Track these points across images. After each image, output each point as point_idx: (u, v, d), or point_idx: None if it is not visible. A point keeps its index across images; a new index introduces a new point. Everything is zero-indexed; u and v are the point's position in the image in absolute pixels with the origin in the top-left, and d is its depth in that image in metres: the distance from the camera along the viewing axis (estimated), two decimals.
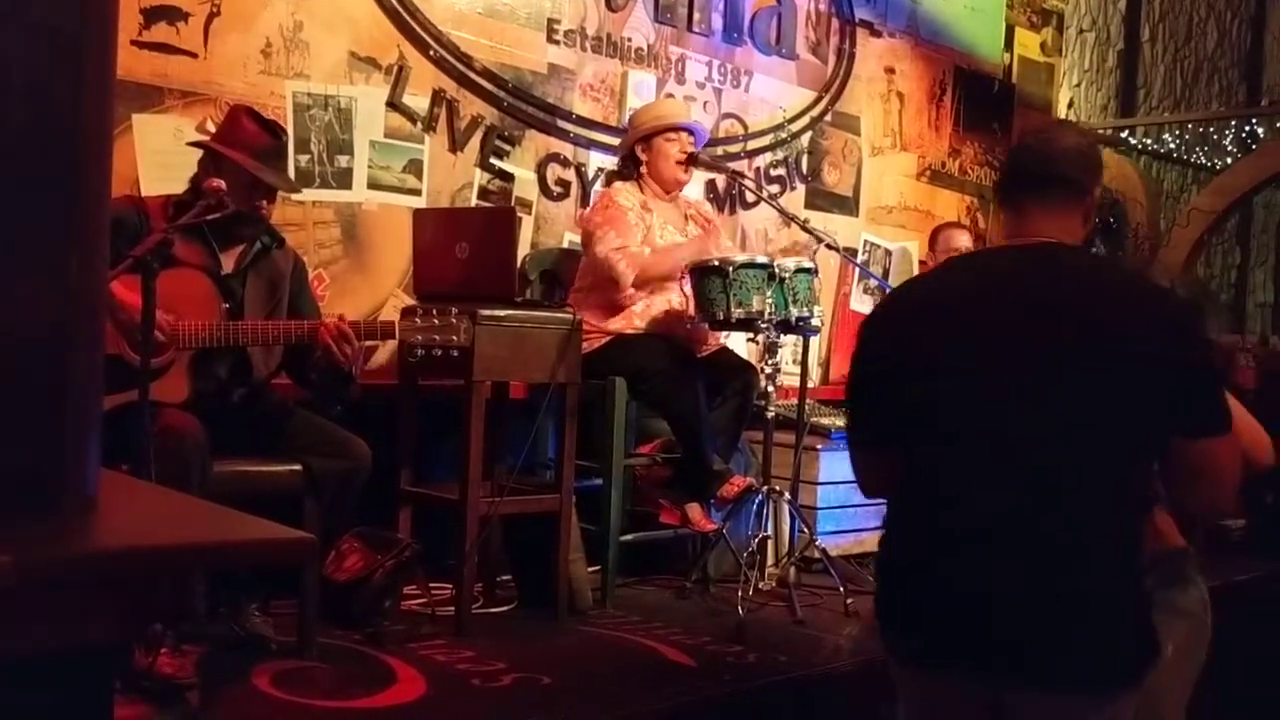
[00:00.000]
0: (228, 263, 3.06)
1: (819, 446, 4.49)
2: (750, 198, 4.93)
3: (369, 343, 3.17)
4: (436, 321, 3.02)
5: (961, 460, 1.88)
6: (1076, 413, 1.82)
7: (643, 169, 4.01)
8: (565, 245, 4.37)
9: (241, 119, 3.06)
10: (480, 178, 4.21)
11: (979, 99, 6.06)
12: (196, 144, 3.11)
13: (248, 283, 3.07)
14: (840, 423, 4.69)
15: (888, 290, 5.11)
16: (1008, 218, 2.06)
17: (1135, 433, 1.84)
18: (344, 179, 3.87)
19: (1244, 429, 2.32)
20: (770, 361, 3.74)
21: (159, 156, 3.44)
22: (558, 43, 4.39)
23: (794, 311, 3.72)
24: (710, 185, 4.91)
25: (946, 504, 1.89)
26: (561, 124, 4.41)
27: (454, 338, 3.01)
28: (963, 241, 5.35)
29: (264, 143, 3.03)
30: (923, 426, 1.93)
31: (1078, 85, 7.08)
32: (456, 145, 4.14)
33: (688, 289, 3.91)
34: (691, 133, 4.07)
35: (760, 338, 3.74)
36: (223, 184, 2.92)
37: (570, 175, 4.46)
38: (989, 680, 1.84)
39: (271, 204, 3.11)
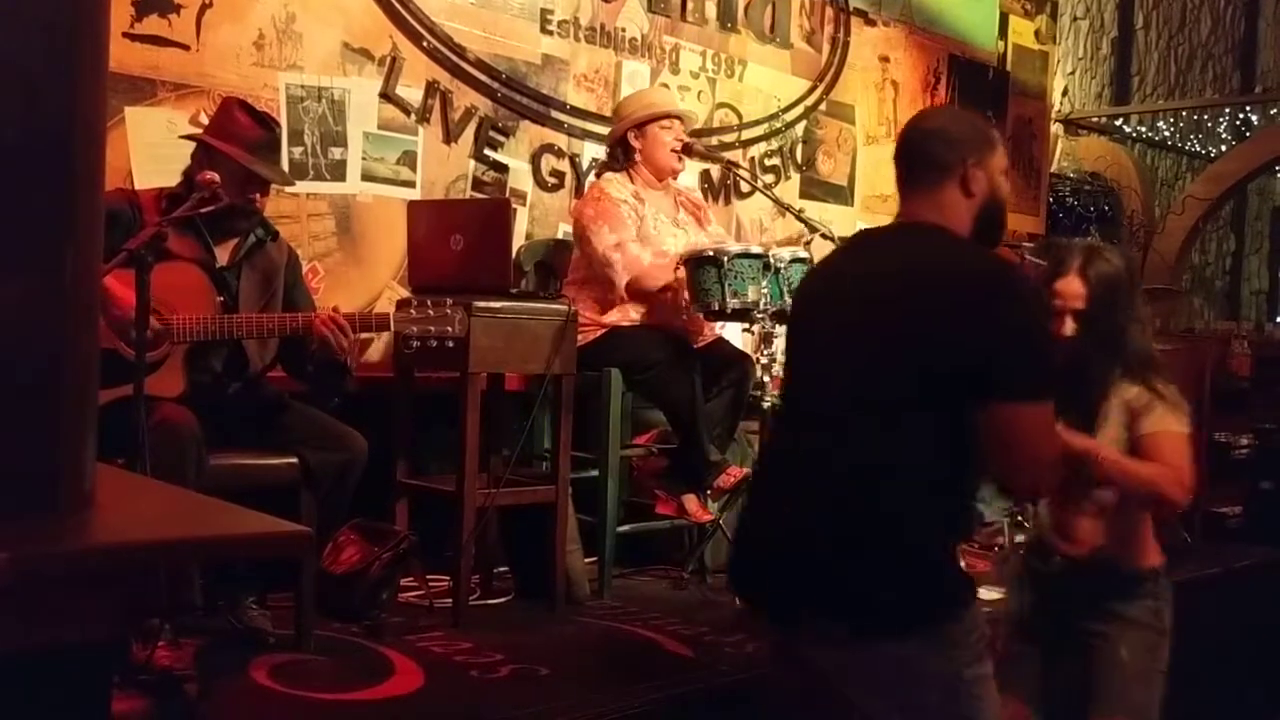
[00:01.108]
0: (222, 256, 3.05)
1: None
2: (745, 188, 4.92)
3: (364, 335, 3.17)
4: (431, 312, 3.01)
5: (788, 412, 2.13)
6: (875, 365, 1.94)
7: (636, 157, 4.00)
8: (560, 236, 4.36)
9: (234, 111, 3.05)
10: (474, 169, 4.20)
11: (973, 87, 6.06)
12: (189, 137, 3.10)
13: (242, 276, 3.06)
14: None
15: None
16: (899, 197, 2.20)
17: (930, 386, 1.90)
18: (338, 171, 3.86)
19: (1168, 460, 2.39)
20: (766, 352, 3.73)
21: (152, 149, 3.43)
22: (551, 33, 4.37)
23: (789, 301, 3.71)
24: (705, 175, 4.90)
25: (768, 453, 2.18)
26: (555, 115, 4.40)
27: (449, 328, 3.01)
28: None
29: (257, 135, 3.02)
30: (786, 400, 2.18)
31: (1072, 73, 7.08)
32: (450, 136, 4.13)
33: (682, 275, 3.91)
34: (682, 121, 4.07)
35: (756, 328, 3.73)
36: (216, 177, 2.91)
37: (564, 166, 4.45)
38: (780, 624, 2.00)
39: (265, 196, 3.10)
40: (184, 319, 2.82)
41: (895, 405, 1.91)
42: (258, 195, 3.05)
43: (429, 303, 3.03)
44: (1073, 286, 2.50)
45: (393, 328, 3.05)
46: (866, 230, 2.44)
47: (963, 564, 2.97)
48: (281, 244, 3.21)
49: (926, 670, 1.89)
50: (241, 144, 2.97)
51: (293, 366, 3.15)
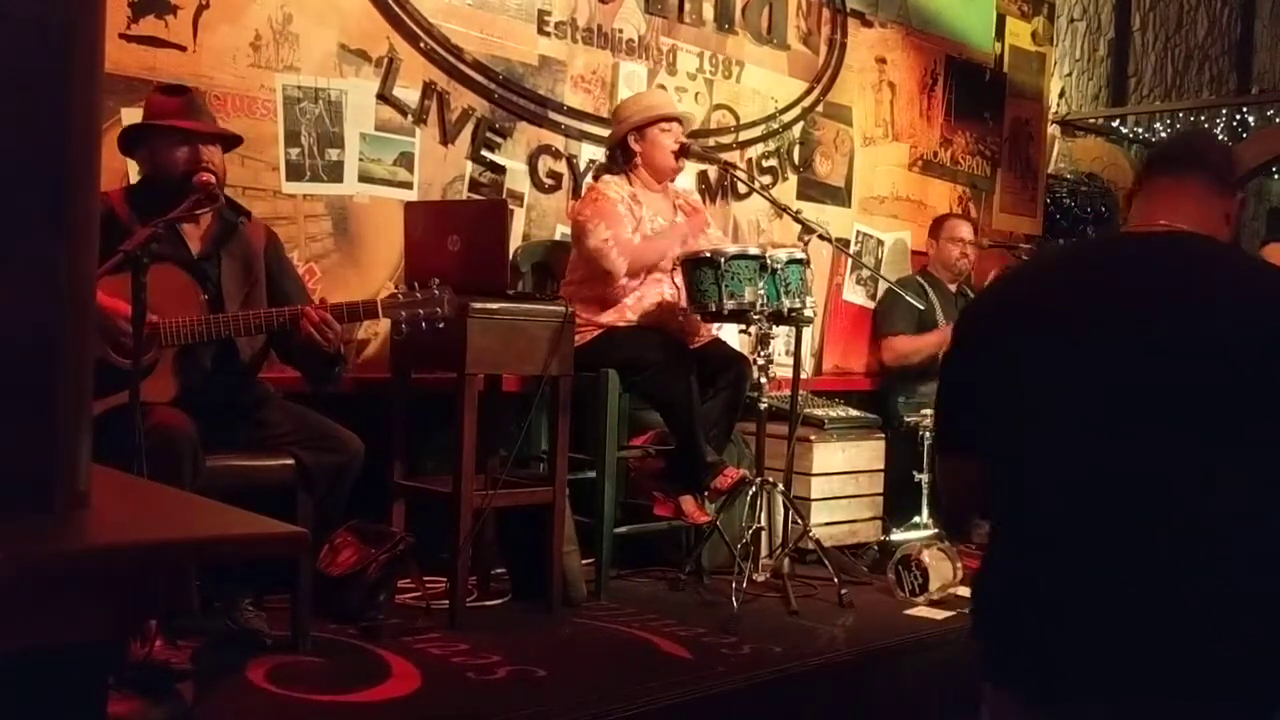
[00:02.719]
0: (194, 241, 3.02)
1: (812, 438, 4.50)
2: (742, 189, 4.92)
3: (352, 324, 3.15)
4: (419, 295, 3.01)
5: (1081, 471, 1.69)
6: (1226, 420, 1.64)
7: (636, 159, 4.01)
8: (557, 237, 4.36)
9: (150, 96, 3.06)
10: (471, 170, 4.20)
11: (970, 88, 6.06)
12: (122, 137, 3.05)
13: (222, 266, 3.04)
14: (833, 414, 4.70)
15: (889, 283, 5.12)
16: (1139, 201, 1.89)
17: (1268, 435, 1.64)
18: (335, 172, 3.85)
19: None
20: (763, 353, 3.74)
21: None
22: (548, 34, 4.37)
23: (786, 303, 3.72)
24: (702, 176, 4.90)
25: (1071, 518, 1.69)
26: (553, 116, 4.40)
27: (438, 310, 3.01)
28: (965, 232, 5.38)
29: (174, 104, 3.00)
30: (1041, 432, 1.74)
31: (1069, 74, 7.09)
32: (447, 138, 4.13)
33: (679, 281, 3.92)
34: (680, 123, 4.07)
35: (753, 329, 3.74)
36: (213, 178, 2.92)
37: (562, 167, 4.45)
38: (1135, 707, 1.65)
39: (214, 164, 2.99)
40: (170, 322, 2.81)
41: (1254, 444, 1.64)
42: (211, 165, 2.97)
43: (415, 286, 3.03)
44: None
45: (380, 315, 3.04)
46: (1097, 239, 2.17)
47: None
48: (256, 224, 3.17)
49: None
50: (165, 118, 2.97)
51: (284, 354, 3.14)
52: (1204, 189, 1.84)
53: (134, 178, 3.21)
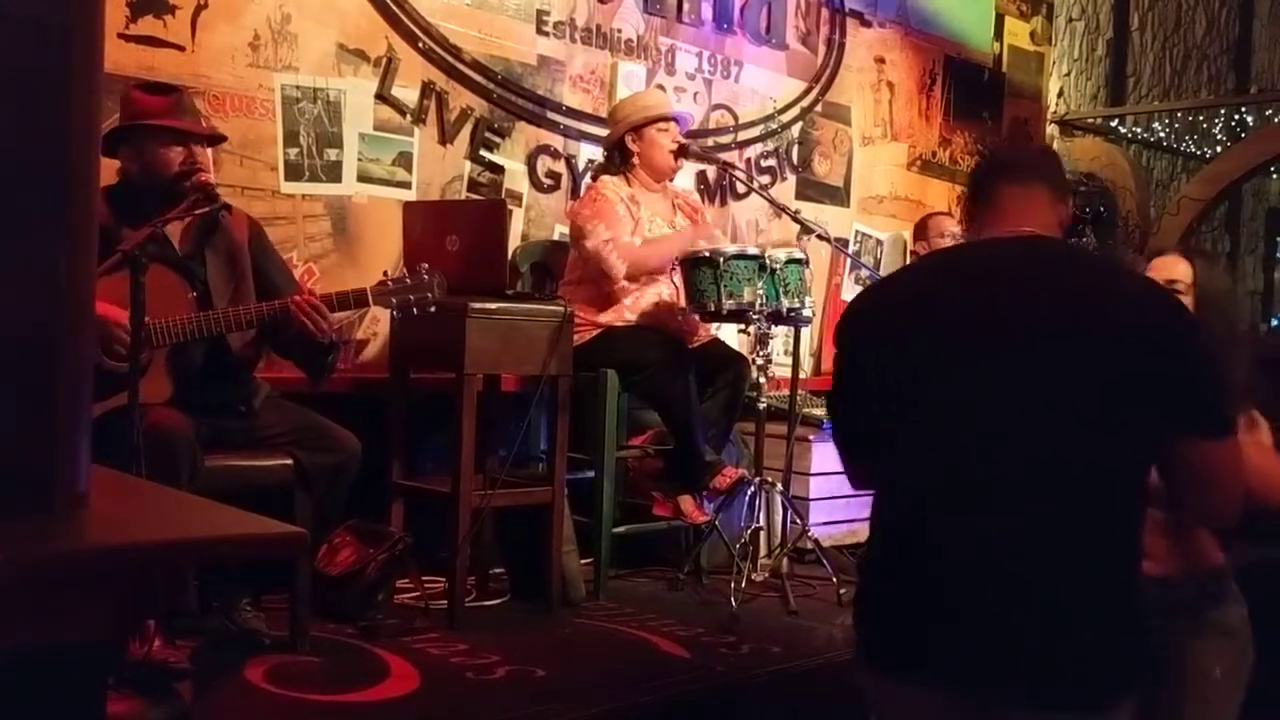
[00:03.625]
0: (176, 239, 3.00)
1: (811, 437, 4.49)
2: (741, 189, 4.92)
3: (343, 313, 3.15)
4: (408, 281, 3.01)
5: (948, 464, 1.78)
6: (1066, 414, 1.72)
7: (634, 160, 4.01)
8: (556, 237, 4.36)
9: (131, 94, 3.01)
10: (470, 170, 4.20)
11: (969, 88, 6.06)
12: (104, 139, 3.01)
13: (208, 262, 3.02)
14: None
15: (873, 280, 5.12)
16: (985, 211, 1.97)
17: (1128, 434, 1.73)
18: (333, 172, 3.85)
19: (1269, 468, 2.26)
20: (762, 353, 3.74)
21: None
22: (547, 34, 4.37)
23: (785, 302, 3.72)
24: (701, 176, 4.90)
25: (931, 510, 1.79)
26: (551, 116, 4.40)
27: (428, 295, 3.01)
28: (952, 228, 5.37)
29: (164, 104, 2.97)
30: (909, 428, 1.83)
31: (1067, 74, 7.09)
32: (446, 137, 4.13)
33: (678, 280, 3.92)
34: (678, 122, 4.07)
35: (751, 329, 3.74)
36: (211, 179, 2.91)
37: (560, 167, 4.45)
38: (972, 694, 1.74)
39: (201, 163, 2.97)
40: (161, 323, 2.80)
41: (1109, 451, 1.72)
42: (198, 164, 2.95)
43: (404, 273, 3.03)
44: (1178, 265, 2.37)
45: (370, 302, 3.04)
46: (959, 247, 2.24)
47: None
48: (238, 215, 3.15)
49: None
50: (154, 117, 2.94)
51: (278, 347, 3.13)
52: (1048, 197, 1.94)
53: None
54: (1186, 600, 2.33)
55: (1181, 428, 1.76)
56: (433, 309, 3.02)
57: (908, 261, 5.61)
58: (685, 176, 4.56)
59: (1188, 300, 2.36)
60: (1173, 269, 2.40)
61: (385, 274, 3.08)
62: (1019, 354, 1.76)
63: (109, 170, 3.14)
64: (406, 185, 4.02)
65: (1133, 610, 1.78)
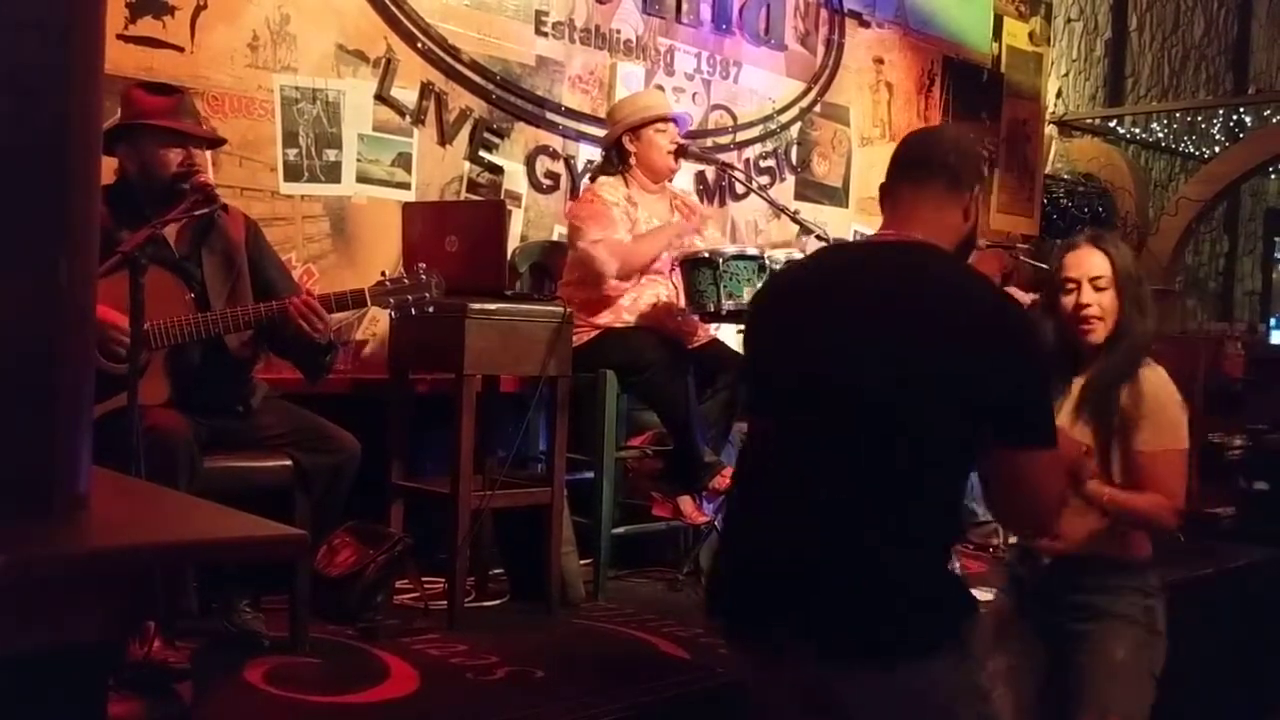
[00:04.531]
0: (173, 239, 2.99)
1: None
2: (740, 189, 4.93)
3: (341, 314, 3.15)
4: (406, 281, 3.01)
5: (782, 446, 1.93)
6: (893, 412, 1.82)
7: (632, 160, 4.01)
8: (555, 238, 4.36)
9: (133, 93, 3.00)
10: (469, 170, 4.20)
11: (968, 89, 6.07)
12: (104, 134, 3.01)
13: (205, 263, 3.02)
14: None
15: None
16: (885, 210, 2.06)
17: (948, 431, 1.82)
18: (332, 173, 3.85)
19: (1165, 484, 2.39)
20: None
21: None
22: (546, 35, 4.37)
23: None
24: (700, 177, 4.90)
25: (766, 475, 1.95)
26: (550, 116, 4.40)
27: (426, 295, 3.01)
28: None
29: (166, 104, 2.97)
30: (764, 401, 2.03)
31: (1066, 75, 7.09)
32: (445, 138, 4.13)
33: (677, 281, 3.91)
34: (677, 122, 4.07)
35: None
36: (210, 179, 2.91)
37: (559, 168, 4.45)
38: (793, 656, 1.86)
39: (198, 166, 2.98)
40: (158, 324, 2.79)
41: (919, 434, 1.82)
42: (196, 166, 2.95)
43: (402, 273, 3.03)
44: (1093, 258, 2.47)
45: (368, 303, 3.04)
46: (845, 244, 2.43)
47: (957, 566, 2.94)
48: (234, 214, 3.14)
49: (958, 683, 1.85)
50: (154, 117, 2.94)
51: (273, 346, 3.13)
52: (940, 192, 2.00)
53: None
54: (1085, 585, 2.45)
55: (998, 436, 1.83)
56: (430, 309, 3.03)
57: None
58: (684, 177, 4.56)
59: (1109, 295, 2.46)
60: (1089, 264, 2.48)
61: (383, 274, 3.08)
62: (849, 353, 1.87)
63: (107, 169, 3.14)
64: (406, 186, 4.02)
65: (933, 573, 1.88)
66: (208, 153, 3.06)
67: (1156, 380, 2.46)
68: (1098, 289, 2.47)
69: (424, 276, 3.01)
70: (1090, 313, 2.46)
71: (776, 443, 1.96)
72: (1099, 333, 2.47)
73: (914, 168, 2.03)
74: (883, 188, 2.09)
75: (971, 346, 1.83)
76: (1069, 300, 2.49)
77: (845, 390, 1.85)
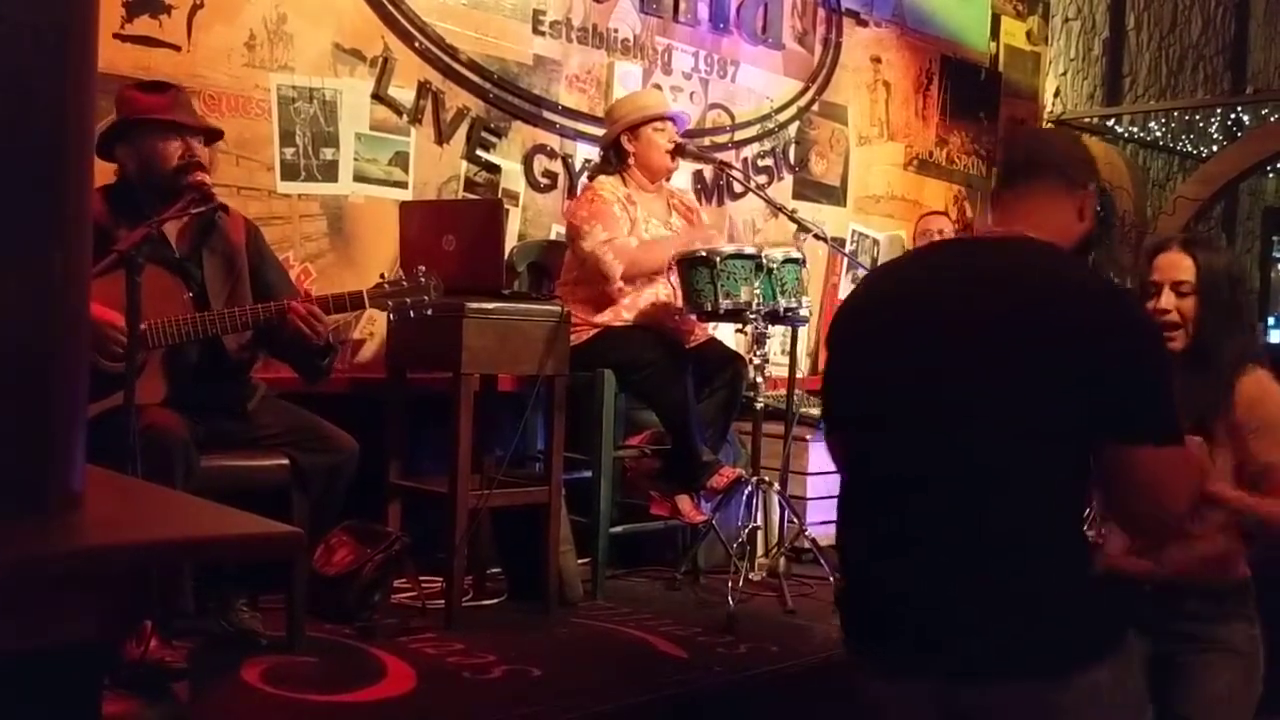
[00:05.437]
0: (173, 239, 3.00)
1: (808, 437, 4.50)
2: (738, 188, 4.93)
3: (339, 315, 3.15)
4: (405, 284, 3.01)
5: (894, 456, 1.83)
6: (1008, 411, 1.74)
7: (630, 159, 4.01)
8: (552, 237, 4.36)
9: (126, 93, 3.01)
10: (467, 169, 4.19)
11: (965, 88, 6.07)
12: (102, 137, 2.97)
13: (205, 263, 3.02)
14: None
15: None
16: (995, 215, 1.99)
17: (1068, 434, 1.74)
18: (329, 172, 3.85)
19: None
20: (759, 352, 3.74)
21: None
22: (543, 34, 4.37)
23: (782, 302, 3.72)
24: (698, 176, 4.90)
25: (880, 500, 1.84)
26: (548, 115, 4.40)
27: (425, 298, 3.01)
28: (936, 225, 5.41)
29: (161, 101, 2.97)
30: (864, 419, 1.90)
31: (1064, 74, 7.09)
32: (442, 137, 4.12)
33: (675, 280, 3.91)
34: (675, 121, 4.07)
35: (748, 328, 3.74)
36: (207, 178, 2.91)
37: (557, 167, 4.45)
38: (933, 681, 1.78)
39: (202, 164, 2.97)
40: (157, 324, 2.79)
41: (1050, 449, 1.74)
42: (198, 163, 2.95)
43: (401, 275, 3.03)
44: (1180, 261, 2.33)
45: (367, 305, 3.04)
46: (956, 241, 2.29)
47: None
48: (235, 217, 3.15)
49: (1112, 696, 1.76)
50: (151, 115, 2.94)
51: (271, 348, 3.13)
52: (1048, 194, 1.92)
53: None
54: (1189, 612, 2.31)
55: (1118, 433, 1.74)
56: (429, 312, 3.02)
57: None
58: (682, 176, 4.56)
59: (1191, 301, 2.34)
60: (1174, 267, 2.37)
61: (382, 276, 3.08)
62: (959, 350, 1.79)
63: (107, 171, 3.14)
64: (403, 185, 4.01)
65: (1077, 590, 1.78)
66: (207, 150, 3.04)
67: (1262, 386, 2.31)
68: (1180, 294, 2.34)
69: (423, 279, 3.01)
70: (1168, 319, 2.32)
71: (885, 454, 1.84)
72: (1177, 340, 2.32)
73: (1023, 169, 1.95)
74: (992, 195, 2.02)
75: (1090, 340, 1.73)
76: (1151, 305, 2.35)
77: (963, 393, 1.76)
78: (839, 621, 1.96)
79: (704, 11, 4.88)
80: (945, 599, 1.75)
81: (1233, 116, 7.67)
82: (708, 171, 4.89)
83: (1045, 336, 1.74)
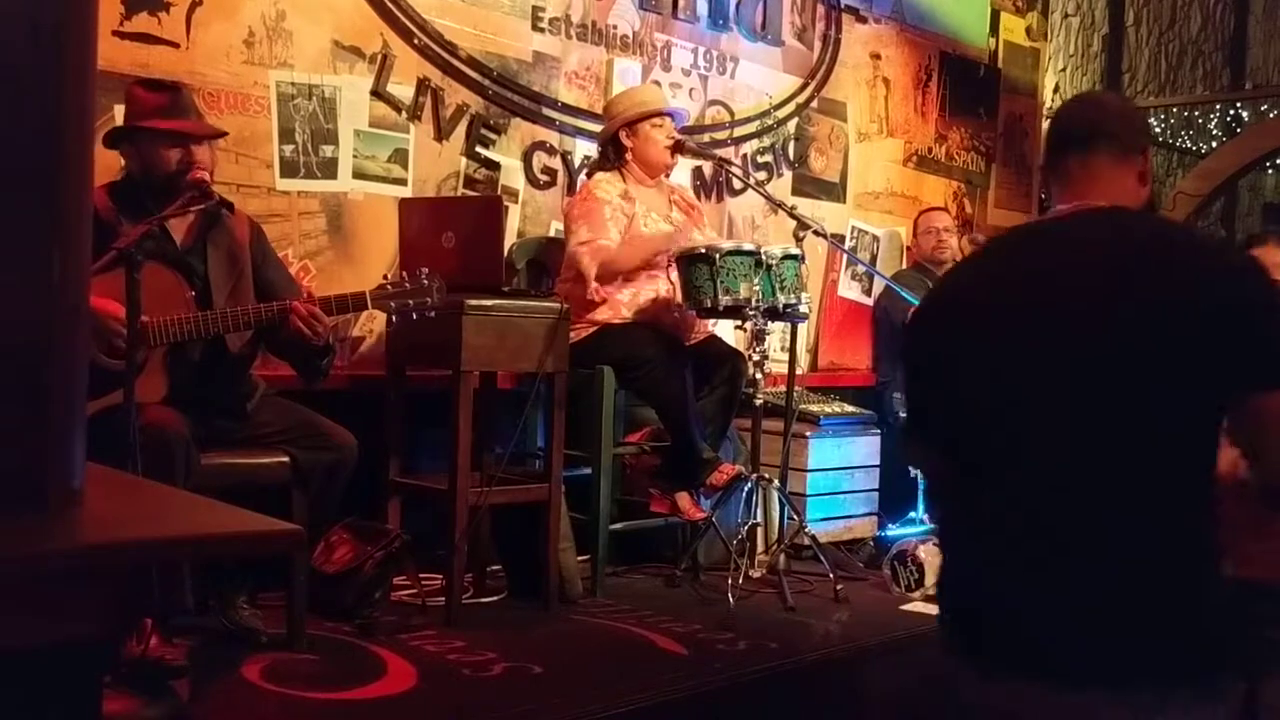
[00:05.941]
0: (179, 235, 3.00)
1: (808, 434, 4.50)
2: (737, 185, 4.93)
3: (341, 316, 3.15)
4: (408, 285, 3.01)
5: (1015, 458, 1.73)
6: (1145, 396, 1.65)
7: (628, 155, 4.01)
8: (552, 234, 4.36)
9: (132, 90, 3.02)
10: (466, 166, 4.19)
11: (965, 84, 6.06)
12: (107, 137, 3.01)
13: (209, 259, 3.02)
14: (828, 410, 4.71)
15: (875, 275, 5.14)
16: (1056, 188, 1.92)
17: (1190, 398, 1.64)
18: (329, 169, 3.85)
19: None
20: (758, 349, 3.74)
21: None
22: (543, 30, 4.37)
23: (781, 298, 3.72)
24: (697, 172, 4.90)
25: (1004, 505, 1.74)
26: (547, 112, 4.39)
27: (427, 300, 3.01)
28: (938, 221, 5.42)
29: (162, 101, 2.98)
30: (986, 428, 1.78)
31: (1063, 70, 7.09)
32: (442, 134, 4.12)
33: (675, 277, 3.91)
34: (673, 117, 4.07)
35: (748, 325, 3.74)
36: (206, 176, 2.91)
37: (556, 163, 4.44)
38: (1055, 686, 1.68)
39: (205, 163, 2.98)
40: (158, 321, 2.79)
41: (1168, 428, 1.65)
42: (203, 163, 2.96)
43: (404, 276, 3.03)
44: (1274, 257, 2.25)
45: (369, 306, 3.04)
46: (1031, 229, 2.10)
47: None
48: (240, 216, 3.15)
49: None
50: (153, 117, 2.95)
51: (272, 347, 3.13)
52: (1110, 160, 1.87)
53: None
54: (1272, 615, 2.15)
55: (1263, 378, 1.64)
56: (432, 314, 3.02)
57: (903, 258, 5.64)
58: (682, 173, 4.56)
59: None
60: (1267, 263, 2.30)
61: (385, 277, 3.08)
62: (1072, 330, 1.71)
63: (114, 165, 3.14)
64: (402, 182, 4.01)
65: (1207, 591, 1.70)
66: (209, 149, 3.04)
67: None
68: None
69: (426, 280, 3.00)
70: None
71: (993, 461, 1.76)
72: None
73: (1078, 139, 1.89)
74: (1045, 167, 1.96)
75: (1203, 291, 1.66)
76: None
77: (1078, 379, 1.68)
78: (938, 615, 1.88)
79: (703, 8, 4.87)
80: (1062, 603, 1.68)
81: (1232, 112, 7.67)
82: (707, 168, 4.89)
83: (1171, 297, 1.66)
